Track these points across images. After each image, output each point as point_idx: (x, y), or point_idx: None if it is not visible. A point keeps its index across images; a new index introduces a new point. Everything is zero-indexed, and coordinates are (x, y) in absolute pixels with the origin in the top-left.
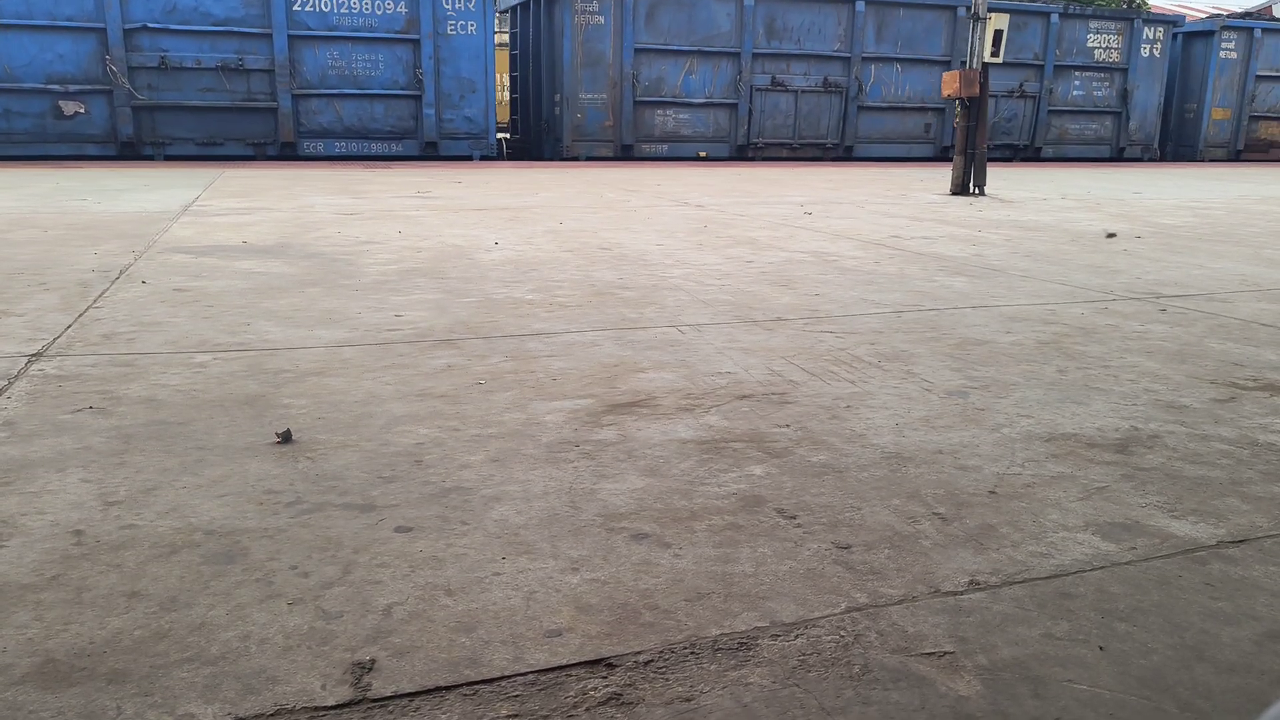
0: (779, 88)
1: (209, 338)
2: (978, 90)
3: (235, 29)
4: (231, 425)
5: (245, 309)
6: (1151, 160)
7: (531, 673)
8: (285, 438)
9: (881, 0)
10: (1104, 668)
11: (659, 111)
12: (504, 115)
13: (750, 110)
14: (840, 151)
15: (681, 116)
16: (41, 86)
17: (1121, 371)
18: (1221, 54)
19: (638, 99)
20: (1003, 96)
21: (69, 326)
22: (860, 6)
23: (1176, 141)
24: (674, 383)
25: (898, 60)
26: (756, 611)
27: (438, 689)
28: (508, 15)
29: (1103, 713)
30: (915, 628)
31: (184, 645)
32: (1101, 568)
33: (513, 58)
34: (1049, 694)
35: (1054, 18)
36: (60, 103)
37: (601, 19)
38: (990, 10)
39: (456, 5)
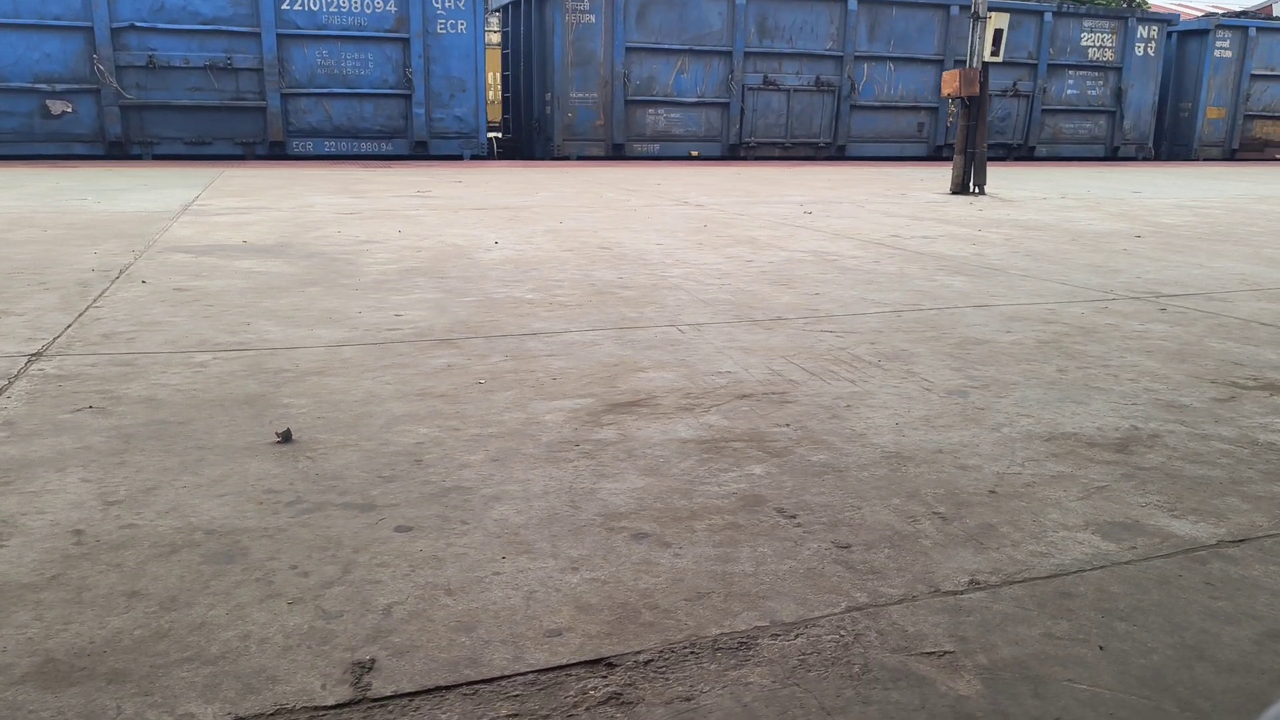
0: (771, 87)
1: (209, 337)
2: (978, 89)
3: (224, 28)
4: (231, 425)
5: (245, 308)
6: (1146, 159)
7: (531, 672)
8: (285, 437)
9: None
10: (1104, 667)
11: (650, 111)
12: (496, 115)
13: (742, 109)
14: (833, 151)
15: (673, 116)
16: (29, 86)
17: (1121, 371)
18: (1216, 53)
19: (629, 98)
20: (996, 95)
21: (69, 326)
22: (852, 5)
23: (1171, 141)
24: (674, 382)
25: (890, 59)
26: (756, 611)
27: (438, 689)
28: (500, 15)
29: (1103, 712)
30: (915, 627)
31: (184, 645)
32: (1101, 567)
33: (504, 57)
34: (1049, 693)
35: (1047, 16)
36: (48, 102)
37: (592, 18)
38: (990, 10)
39: (446, 4)
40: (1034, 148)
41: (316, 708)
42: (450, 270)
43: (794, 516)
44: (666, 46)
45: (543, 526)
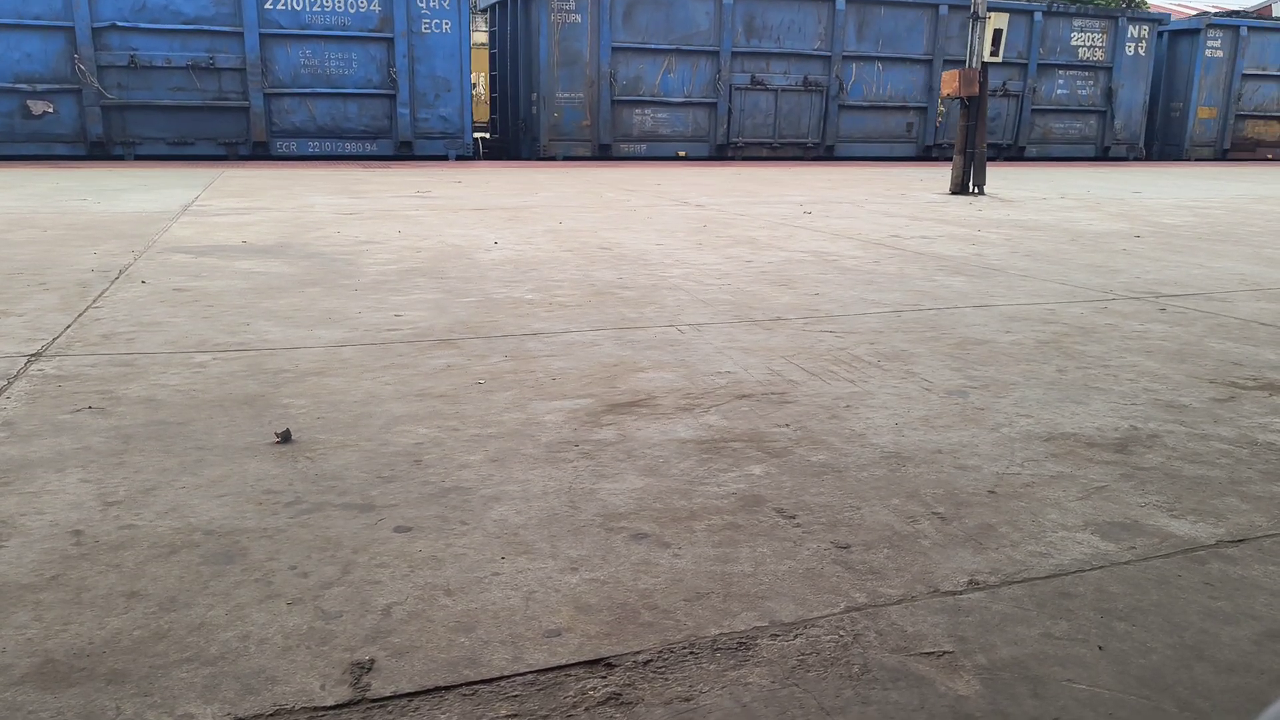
0: (759, 87)
1: (209, 338)
2: (977, 90)
3: (206, 27)
4: (231, 425)
5: (245, 309)
6: (1137, 159)
7: (531, 673)
8: (285, 438)
9: None
10: (1103, 667)
11: (637, 111)
12: (484, 115)
13: (730, 109)
14: (821, 151)
15: (660, 116)
16: (9, 86)
17: (1121, 371)
18: (1207, 52)
19: (615, 98)
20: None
21: (68, 326)
22: (840, 5)
23: (1163, 140)
24: (673, 382)
25: (879, 59)
26: (756, 611)
27: (437, 689)
28: (487, 14)
29: (1102, 712)
30: (914, 627)
31: (183, 645)
32: (1101, 567)
33: (492, 57)
34: (1048, 693)
35: (1037, 16)
36: (28, 102)
37: (578, 18)
38: (990, 9)
39: (431, 4)
40: (1024, 148)
41: (316, 708)
42: (450, 270)
43: (793, 517)
44: (653, 46)
45: (542, 527)
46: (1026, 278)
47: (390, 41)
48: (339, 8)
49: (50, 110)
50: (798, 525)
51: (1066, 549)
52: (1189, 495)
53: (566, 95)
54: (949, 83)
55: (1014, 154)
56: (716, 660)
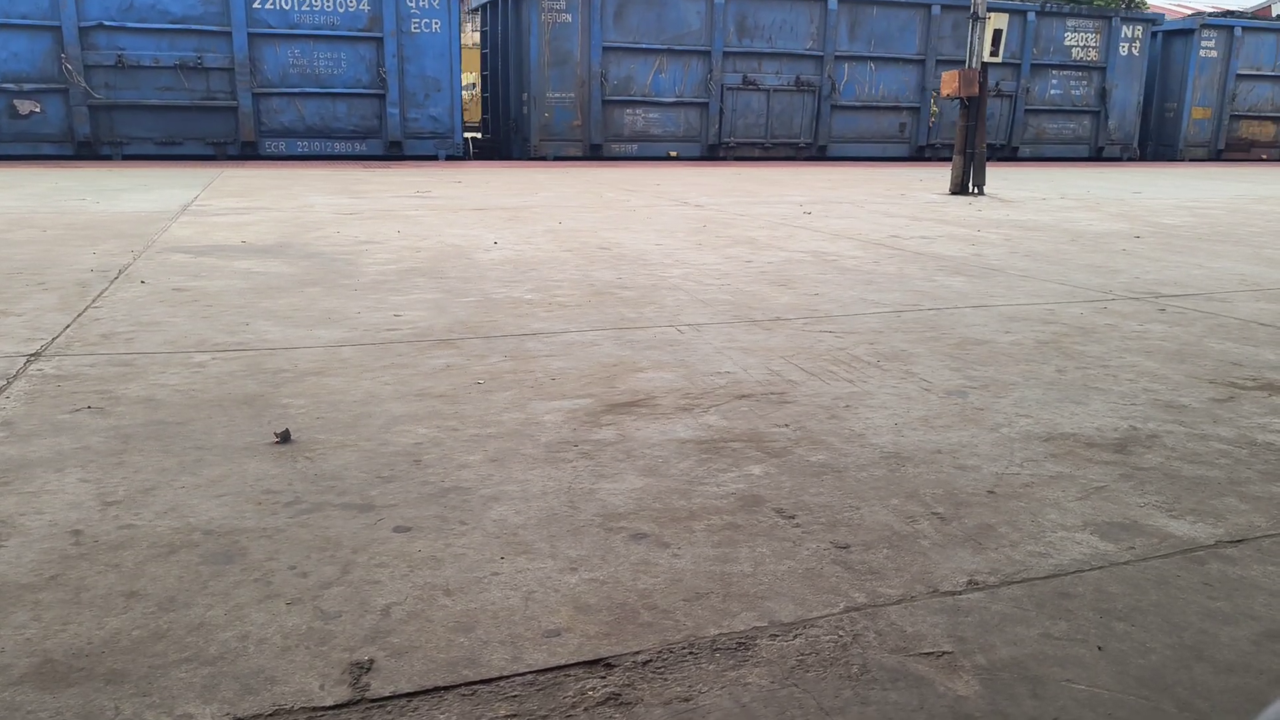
0: (750, 86)
1: (208, 337)
2: (977, 90)
3: (194, 27)
4: (230, 425)
5: (244, 309)
6: (1131, 160)
7: (530, 673)
8: (284, 437)
9: None
10: (1102, 667)
11: (628, 111)
12: (476, 115)
13: (721, 109)
14: (813, 151)
15: (651, 116)
16: None
17: (1120, 371)
18: (1201, 52)
19: (606, 98)
20: None
21: (68, 326)
22: (832, 5)
23: (1157, 141)
24: (673, 382)
25: (871, 59)
26: (755, 611)
27: (436, 689)
28: (479, 14)
29: (1101, 712)
30: (914, 628)
31: (182, 645)
32: (1100, 567)
33: (483, 56)
34: (1047, 694)
35: (1030, 16)
36: (15, 102)
37: (569, 17)
38: (990, 10)
39: (421, 3)
40: (1017, 148)
41: (315, 708)
42: (449, 270)
43: (793, 517)
44: (644, 46)
45: (541, 527)
46: (1026, 278)
47: (380, 41)
48: (328, 7)
49: (37, 110)
50: (797, 525)
51: (1066, 549)
52: (1188, 495)
53: (557, 95)
54: (949, 83)
55: (1007, 154)
56: (716, 660)
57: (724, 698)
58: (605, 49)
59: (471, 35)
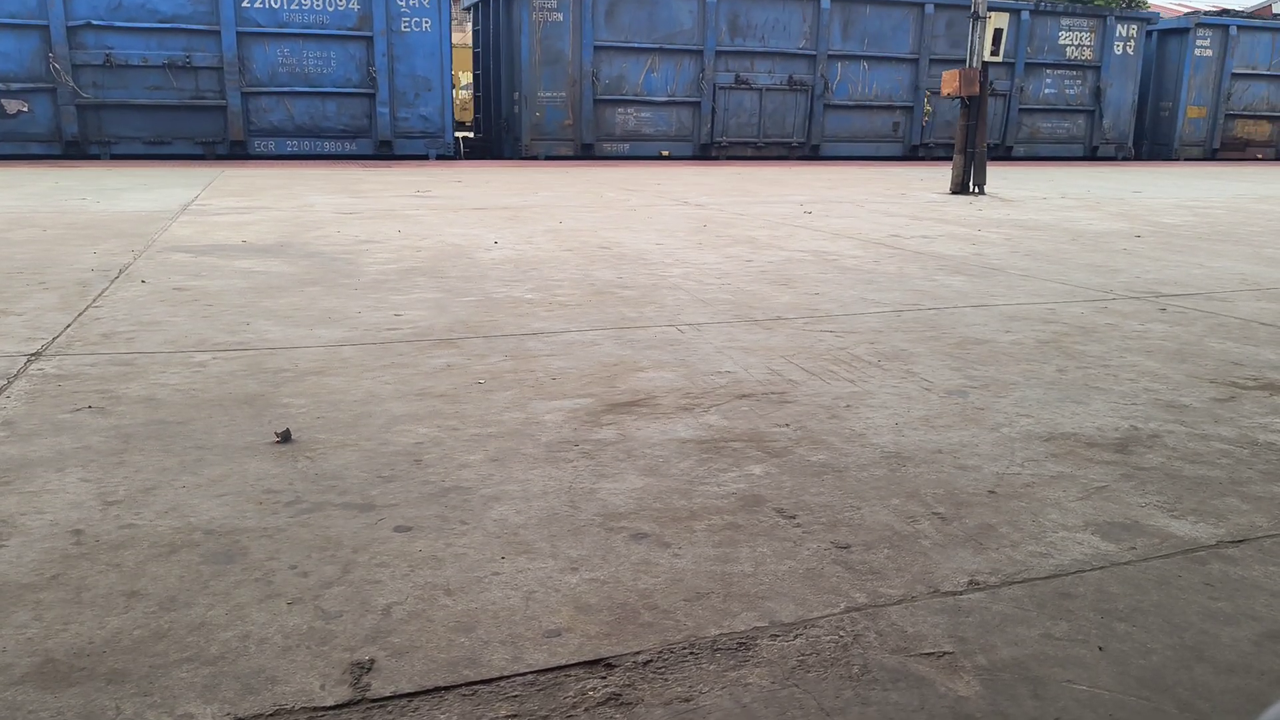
0: (743, 86)
1: (208, 337)
2: (978, 89)
3: (182, 26)
4: (231, 425)
5: (245, 308)
6: (1125, 159)
7: (530, 673)
8: (284, 437)
9: None
10: (1103, 668)
11: (620, 110)
12: (469, 115)
13: (714, 109)
14: (806, 150)
15: (643, 115)
16: None
17: (1121, 371)
18: (1197, 51)
19: (598, 97)
20: None
21: (68, 326)
22: (825, 4)
23: (1152, 140)
24: (673, 382)
25: (864, 58)
26: (756, 611)
27: (437, 689)
28: (471, 13)
29: (1102, 713)
30: (914, 628)
31: (183, 645)
32: (1101, 568)
33: (475, 56)
34: (1048, 694)
35: (1024, 15)
36: (3, 101)
37: (560, 16)
38: (990, 9)
39: (411, 2)
40: (1011, 147)
41: (316, 708)
42: (450, 270)
43: (793, 517)
44: (636, 45)
45: (542, 526)
46: (1027, 277)
47: (369, 40)
48: (317, 6)
49: (25, 109)
50: (798, 525)
51: (1067, 549)
52: (1189, 495)
53: (548, 94)
54: (949, 82)
55: (1001, 154)
56: (716, 660)
57: (724, 698)
58: (597, 48)
59: (461, 35)
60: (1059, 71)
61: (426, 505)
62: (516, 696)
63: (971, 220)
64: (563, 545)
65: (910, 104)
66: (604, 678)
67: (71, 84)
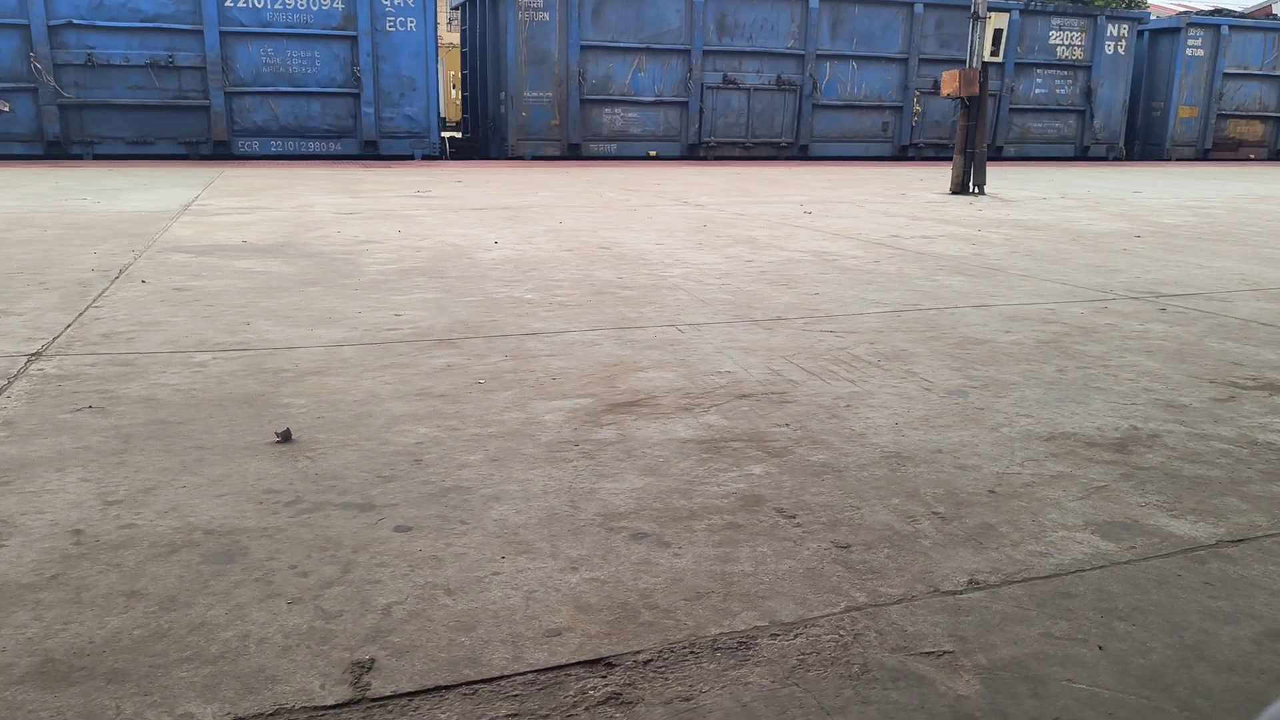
0: (731, 85)
1: (209, 337)
2: (978, 89)
3: (165, 25)
4: (231, 424)
5: (245, 308)
6: (1117, 159)
7: (531, 672)
8: (285, 437)
9: None
10: (1103, 667)
11: (607, 110)
12: (457, 114)
13: (701, 109)
14: (795, 151)
15: (630, 115)
16: None
17: (1121, 371)
18: (1188, 51)
19: (584, 97)
20: None
21: (68, 326)
22: (814, 3)
23: (1144, 140)
24: (673, 382)
25: (854, 58)
26: (756, 611)
27: (437, 688)
28: (459, 12)
29: (1102, 712)
30: (914, 627)
31: (183, 645)
32: (1101, 567)
33: (463, 55)
34: (1048, 693)
35: (1014, 14)
36: None
37: (546, 15)
38: (990, 10)
39: (396, 1)
40: (1001, 147)
41: (316, 708)
42: (450, 270)
43: (793, 516)
44: (623, 45)
45: (542, 526)
46: (1027, 277)
47: (354, 40)
48: (301, 5)
49: (6, 109)
50: (798, 525)
51: (1067, 549)
52: (1189, 495)
53: (535, 94)
54: (949, 82)
55: (992, 154)
56: (717, 660)
57: (725, 697)
58: (583, 47)
59: (451, 35)
60: (1049, 71)
61: (427, 505)
62: (517, 696)
63: (971, 220)
64: (563, 545)
65: (899, 104)
66: (604, 677)
67: (53, 84)
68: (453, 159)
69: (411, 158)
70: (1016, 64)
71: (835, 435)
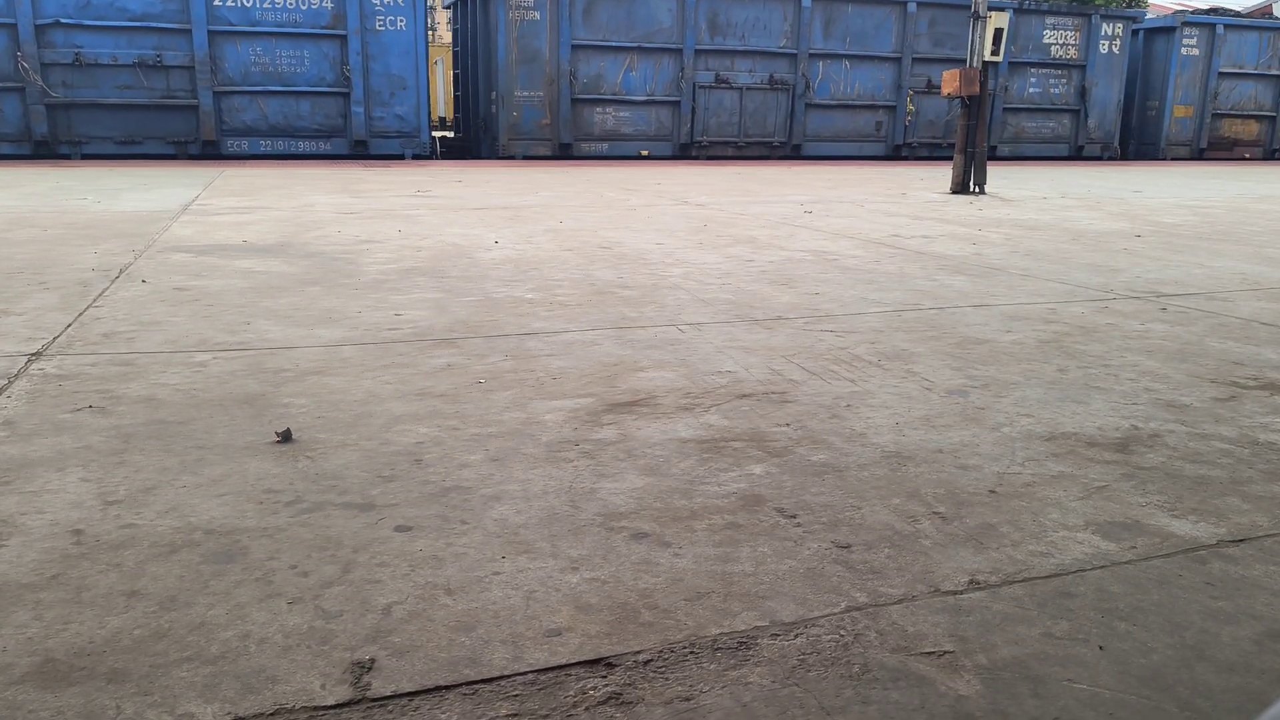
0: (723, 85)
1: (209, 337)
2: (978, 89)
3: (153, 24)
4: (231, 424)
5: (245, 308)
6: (1111, 159)
7: (531, 672)
8: (285, 437)
9: None
10: (1104, 667)
11: (598, 109)
12: (450, 114)
13: (693, 108)
14: (788, 150)
15: (622, 115)
16: None
17: (1122, 370)
18: (1183, 50)
19: (576, 96)
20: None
21: (69, 326)
22: (806, 2)
23: (1138, 139)
24: (674, 382)
25: (846, 57)
26: (756, 611)
27: (437, 688)
28: (451, 12)
29: (1102, 712)
30: (915, 627)
31: (183, 645)
32: (1101, 567)
33: (455, 55)
34: (1048, 693)
35: (1009, 13)
36: None
37: (537, 15)
38: (990, 9)
39: (385, 0)
40: (995, 147)
41: (316, 707)
42: (450, 270)
43: (794, 516)
44: (614, 44)
45: (542, 526)
46: (1027, 277)
47: (344, 39)
48: (290, 5)
49: None
50: (798, 525)
51: (1067, 548)
52: (1190, 495)
53: (525, 94)
54: (950, 82)
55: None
56: (717, 660)
57: (725, 697)
58: (574, 47)
59: (444, 34)
60: (1044, 70)
61: (427, 505)
62: (517, 696)
63: (972, 220)
64: (563, 545)
65: (893, 103)
66: (604, 677)
67: (40, 83)
68: (443, 159)
69: (402, 157)
70: (1010, 63)
71: (836, 435)
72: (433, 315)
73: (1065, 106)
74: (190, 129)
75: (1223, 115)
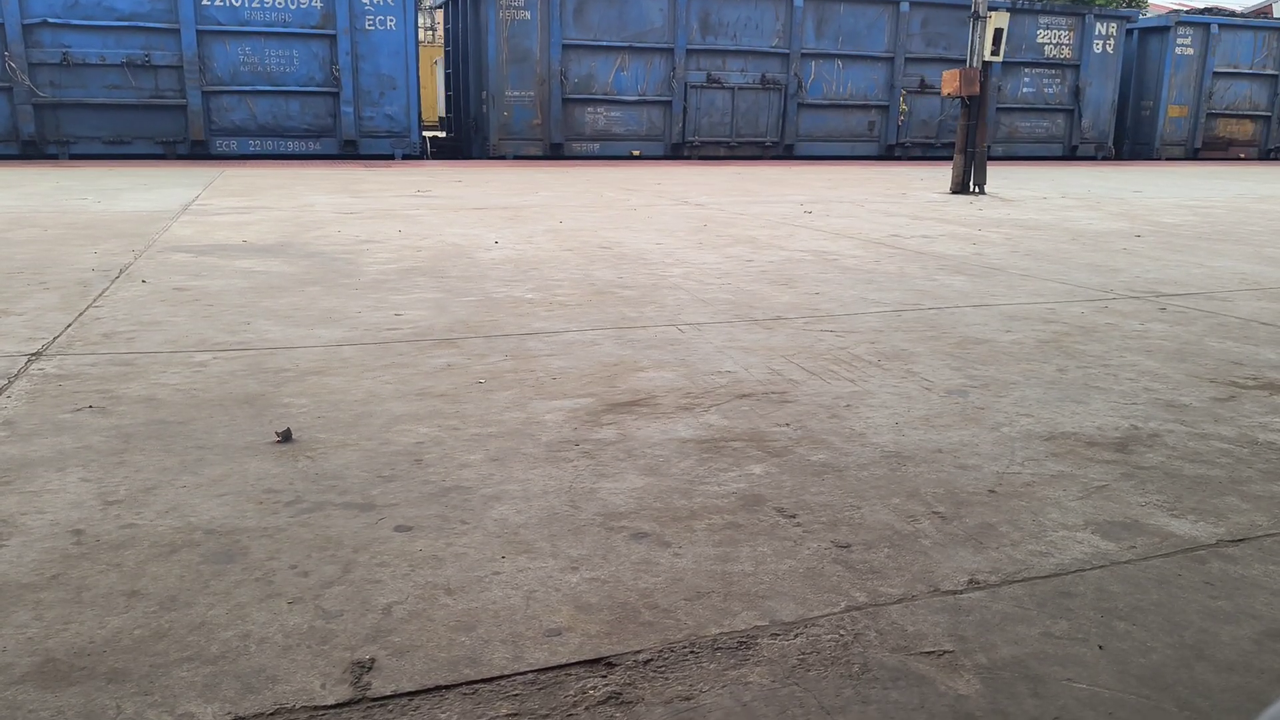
0: (715, 85)
1: (209, 337)
2: (978, 89)
3: (141, 24)
4: (231, 424)
5: (245, 308)
6: (1105, 159)
7: (531, 672)
8: (285, 437)
9: None
10: (1103, 666)
11: (589, 109)
12: (441, 113)
13: (685, 108)
14: (780, 150)
15: (613, 114)
16: None
17: (1121, 370)
18: (1177, 50)
19: (567, 96)
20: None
21: (69, 326)
22: (798, 1)
23: (1133, 139)
24: (674, 382)
25: (839, 56)
26: (756, 610)
27: (437, 688)
28: (442, 11)
29: (1102, 711)
30: (915, 627)
31: (184, 644)
32: (1101, 566)
33: (446, 54)
34: (1048, 693)
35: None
36: None
37: (528, 14)
38: (991, 9)
39: (375, 0)
40: (989, 147)
41: (316, 707)
42: (450, 270)
43: (794, 516)
44: (605, 44)
45: (542, 526)
46: (1027, 277)
47: (333, 38)
48: (279, 4)
49: None
50: (798, 524)
51: (1067, 548)
52: (1189, 495)
53: (516, 94)
54: (949, 82)
55: None
56: (717, 659)
57: (725, 697)
58: (565, 46)
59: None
60: (1037, 70)
61: (427, 505)
62: (517, 695)
63: (972, 220)
64: (563, 545)
65: (886, 103)
66: (604, 677)
67: (28, 83)
68: (434, 159)
69: (392, 157)
70: (1004, 63)
71: (835, 435)
72: (433, 315)
73: (1059, 106)
74: (179, 129)
75: (1217, 115)
